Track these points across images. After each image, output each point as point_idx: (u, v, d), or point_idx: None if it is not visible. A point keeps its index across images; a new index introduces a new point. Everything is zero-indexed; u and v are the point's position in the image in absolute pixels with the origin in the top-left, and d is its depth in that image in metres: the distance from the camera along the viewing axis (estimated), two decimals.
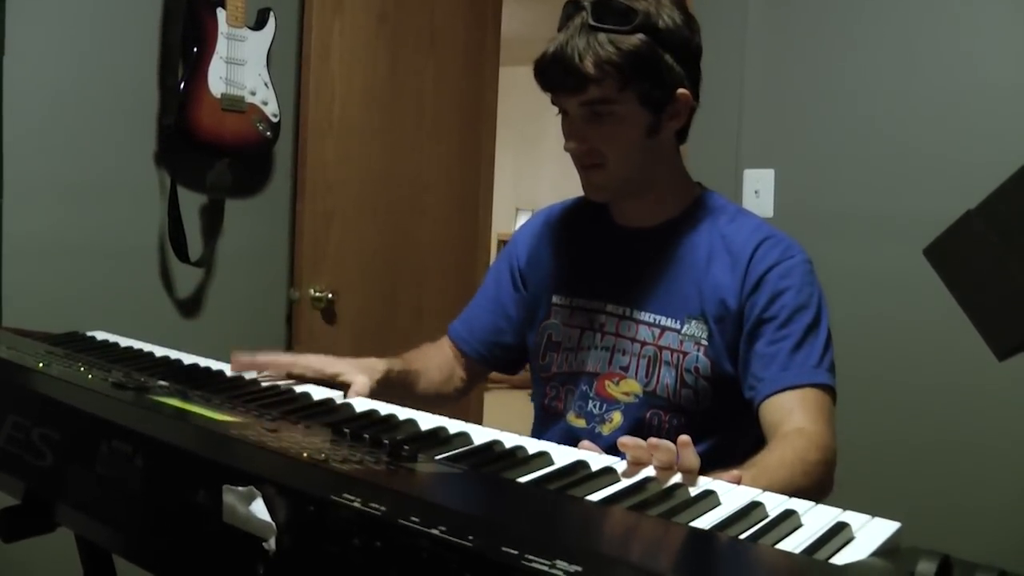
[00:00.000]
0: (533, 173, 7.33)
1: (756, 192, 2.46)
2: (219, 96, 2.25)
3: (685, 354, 1.31)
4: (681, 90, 1.28)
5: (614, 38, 1.22)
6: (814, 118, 2.41)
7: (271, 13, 2.37)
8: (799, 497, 1.07)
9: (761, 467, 1.06)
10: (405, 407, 1.45)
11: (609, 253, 1.41)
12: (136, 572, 0.94)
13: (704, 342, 1.30)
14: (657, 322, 1.34)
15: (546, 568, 0.55)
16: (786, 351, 1.25)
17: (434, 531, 0.59)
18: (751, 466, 1.04)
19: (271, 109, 2.35)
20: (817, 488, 1.11)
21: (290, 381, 1.26)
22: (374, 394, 1.32)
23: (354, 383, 1.27)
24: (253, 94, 2.32)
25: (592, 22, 1.23)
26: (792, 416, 1.20)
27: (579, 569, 0.54)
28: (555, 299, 1.43)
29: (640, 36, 1.23)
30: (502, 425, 1.01)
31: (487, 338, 1.53)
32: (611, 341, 1.36)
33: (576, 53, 1.22)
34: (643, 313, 1.35)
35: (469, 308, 1.56)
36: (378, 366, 1.34)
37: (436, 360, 1.53)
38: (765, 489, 1.01)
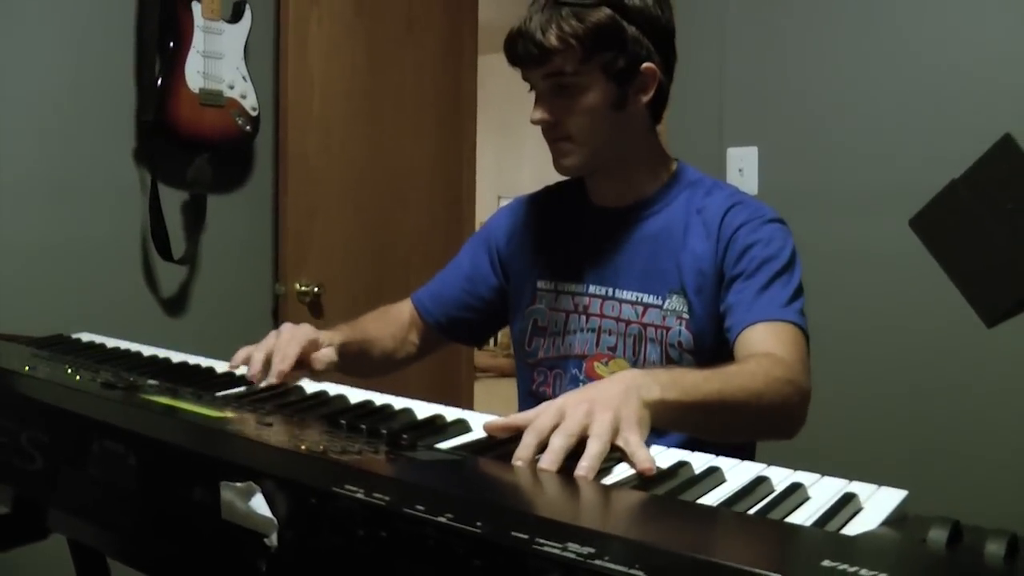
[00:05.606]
0: (514, 161, 7.30)
1: (740, 170, 2.45)
2: (197, 91, 2.22)
3: (668, 329, 1.31)
4: (647, 64, 1.29)
5: (578, 11, 1.25)
6: (797, 94, 2.40)
7: (247, 5, 2.34)
8: (760, 407, 1.06)
9: (716, 371, 1.05)
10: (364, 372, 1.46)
11: (588, 234, 1.41)
12: None
13: (685, 316, 1.31)
14: (639, 299, 1.34)
15: (558, 551, 0.54)
16: (752, 293, 1.25)
17: (441, 519, 0.58)
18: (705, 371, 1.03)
19: (250, 103, 2.33)
20: (781, 404, 1.08)
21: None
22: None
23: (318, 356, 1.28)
24: (231, 88, 2.29)
25: None
26: (762, 346, 1.19)
27: (591, 551, 0.53)
28: (540, 284, 1.43)
29: (605, 11, 1.25)
30: (492, 413, 1.00)
31: (451, 312, 1.53)
32: (596, 322, 1.36)
33: (539, 27, 1.25)
34: (625, 292, 1.35)
35: (437, 280, 1.56)
36: (335, 339, 1.34)
37: (390, 328, 1.53)
38: (718, 391, 1.00)
